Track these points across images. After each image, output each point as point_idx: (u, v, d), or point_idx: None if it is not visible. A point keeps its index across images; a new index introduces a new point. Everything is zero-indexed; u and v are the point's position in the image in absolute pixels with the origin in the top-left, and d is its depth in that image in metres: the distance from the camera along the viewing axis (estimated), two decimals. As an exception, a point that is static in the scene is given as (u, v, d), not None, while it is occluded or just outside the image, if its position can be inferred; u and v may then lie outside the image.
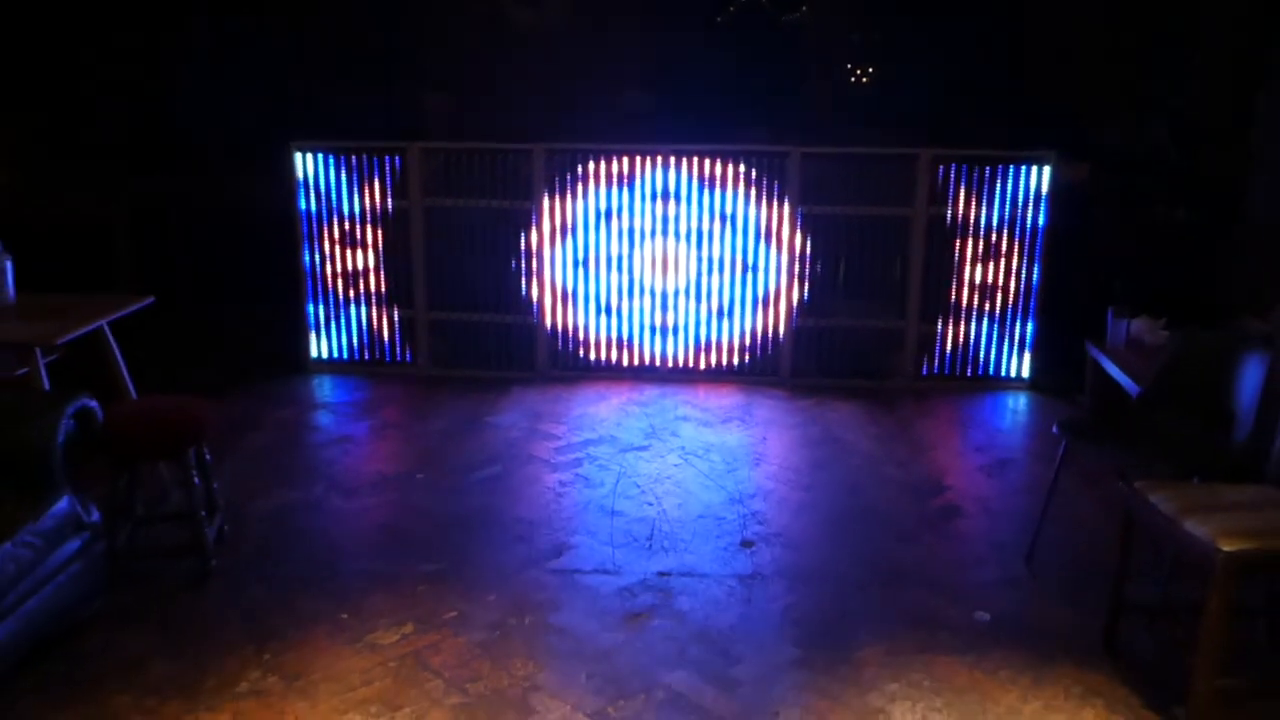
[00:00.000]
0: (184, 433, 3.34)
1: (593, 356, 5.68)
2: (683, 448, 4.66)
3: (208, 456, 3.56)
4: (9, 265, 3.63)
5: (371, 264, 5.60)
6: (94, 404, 3.20)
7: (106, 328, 3.71)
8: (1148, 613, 3.13)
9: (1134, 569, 3.06)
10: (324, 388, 5.53)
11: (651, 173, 5.41)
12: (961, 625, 3.21)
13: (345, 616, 3.21)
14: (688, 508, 4.03)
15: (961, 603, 3.33)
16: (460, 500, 4.09)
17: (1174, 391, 3.50)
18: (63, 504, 2.97)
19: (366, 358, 5.74)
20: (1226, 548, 2.56)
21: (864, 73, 5.62)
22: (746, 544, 3.73)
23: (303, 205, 5.52)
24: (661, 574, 3.50)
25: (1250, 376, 3.26)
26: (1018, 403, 5.39)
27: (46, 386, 3.47)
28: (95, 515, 3.13)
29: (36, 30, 5.82)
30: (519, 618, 3.22)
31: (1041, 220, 5.27)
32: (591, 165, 5.42)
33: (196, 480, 3.40)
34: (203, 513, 3.42)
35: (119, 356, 3.83)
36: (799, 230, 5.40)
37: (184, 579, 3.42)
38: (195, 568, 3.43)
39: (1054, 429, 3.54)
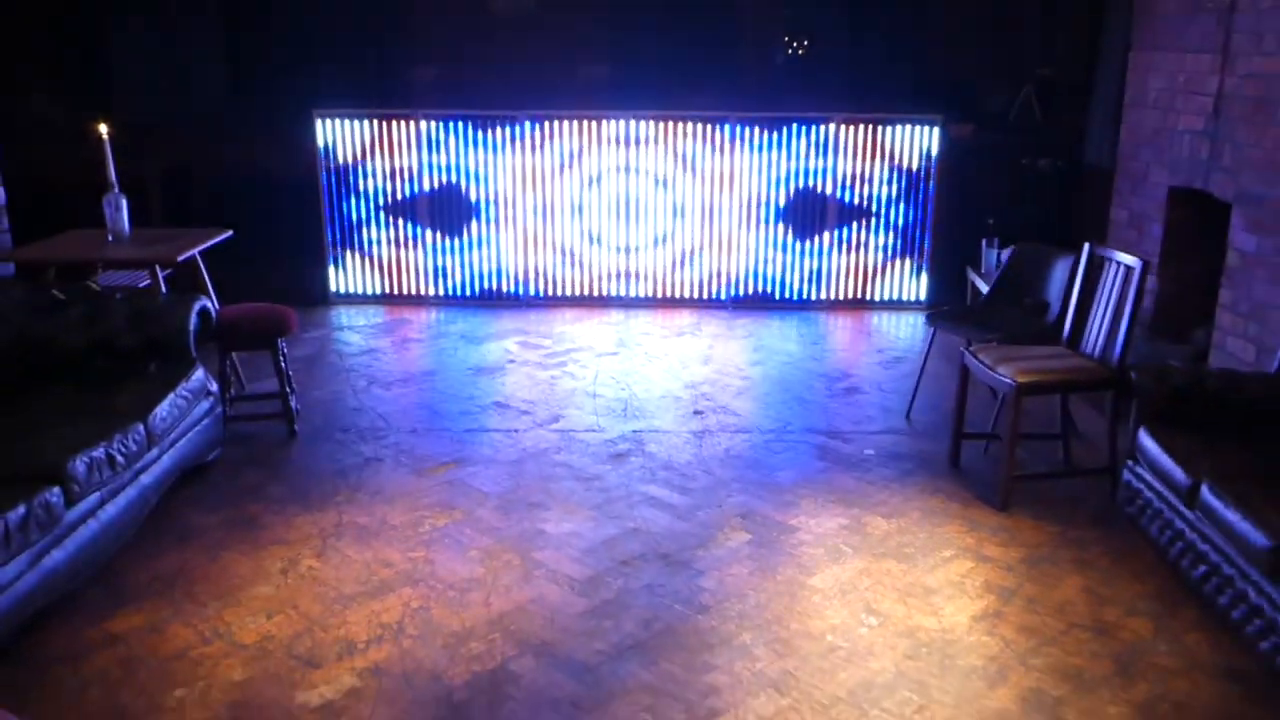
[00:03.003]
0: (277, 327, 4.43)
1: (567, 289, 6.83)
2: (646, 353, 5.84)
3: (285, 349, 4.64)
4: (125, 203, 4.64)
5: (381, 210, 6.67)
6: (210, 304, 4.26)
7: (198, 253, 4.75)
8: (980, 439, 4.40)
9: (973, 414, 4.31)
10: (344, 316, 6.60)
11: (616, 135, 6.54)
12: (854, 457, 4.44)
13: (403, 459, 4.34)
14: (652, 391, 5.21)
15: (854, 444, 4.57)
16: (474, 389, 5.22)
17: (1009, 289, 4.76)
18: (199, 373, 4.05)
19: (377, 291, 6.82)
20: (1020, 379, 3.81)
21: (795, 45, 6.74)
22: (697, 413, 4.92)
23: (322, 162, 6.56)
24: (635, 431, 4.68)
25: (1058, 277, 4.53)
26: (915, 319, 6.64)
27: (165, 293, 4.51)
28: (214, 386, 4.22)
29: (74, 12, 6.69)
30: (533, 459, 4.38)
31: (933, 171, 6.52)
32: (567, 128, 6.54)
33: (283, 363, 4.49)
34: (288, 389, 4.52)
35: (206, 275, 4.87)
36: (739, 182, 6.58)
37: (274, 439, 4.52)
38: (282, 431, 4.55)
39: (925, 318, 4.77)
